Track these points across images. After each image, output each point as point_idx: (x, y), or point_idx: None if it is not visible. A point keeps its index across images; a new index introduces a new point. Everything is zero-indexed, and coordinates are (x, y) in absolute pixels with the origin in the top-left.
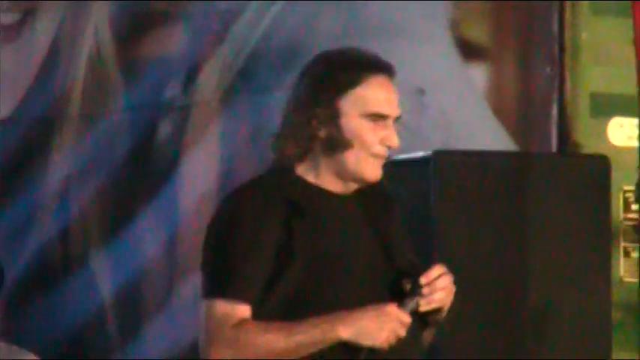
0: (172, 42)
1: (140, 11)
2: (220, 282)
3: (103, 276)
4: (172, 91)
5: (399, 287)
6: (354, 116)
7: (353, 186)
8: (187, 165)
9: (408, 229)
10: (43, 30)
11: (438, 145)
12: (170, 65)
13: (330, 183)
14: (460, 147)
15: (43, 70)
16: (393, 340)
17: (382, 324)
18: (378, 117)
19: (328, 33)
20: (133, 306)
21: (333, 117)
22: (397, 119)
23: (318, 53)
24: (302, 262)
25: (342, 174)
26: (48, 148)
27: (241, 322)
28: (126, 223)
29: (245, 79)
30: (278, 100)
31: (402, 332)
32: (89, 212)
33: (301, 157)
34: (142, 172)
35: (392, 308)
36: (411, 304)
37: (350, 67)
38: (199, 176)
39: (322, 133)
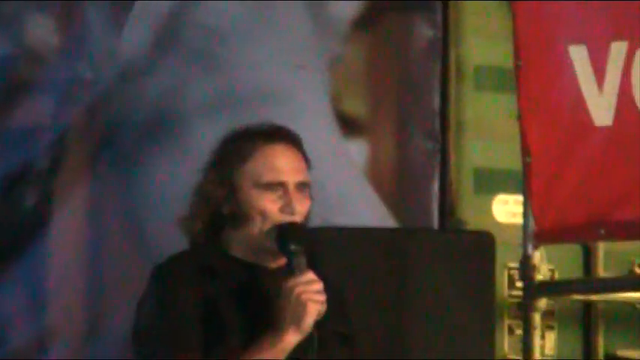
0: (41, 111)
1: (8, 79)
2: (162, 345)
3: None
4: (40, 162)
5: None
6: (249, 188)
7: (269, 256)
8: (52, 234)
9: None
10: None
11: (316, 219)
12: (39, 135)
13: (246, 255)
14: (338, 221)
15: None
16: (323, 299)
17: (302, 300)
18: (272, 185)
19: (200, 101)
20: None
21: (232, 192)
22: (303, 185)
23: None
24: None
25: (251, 245)
26: None
27: None
28: None
29: (111, 149)
30: (145, 170)
31: (318, 286)
32: None
33: (212, 233)
34: (3, 240)
35: (291, 284)
36: (299, 267)
37: (242, 141)
38: (64, 245)
39: (225, 210)
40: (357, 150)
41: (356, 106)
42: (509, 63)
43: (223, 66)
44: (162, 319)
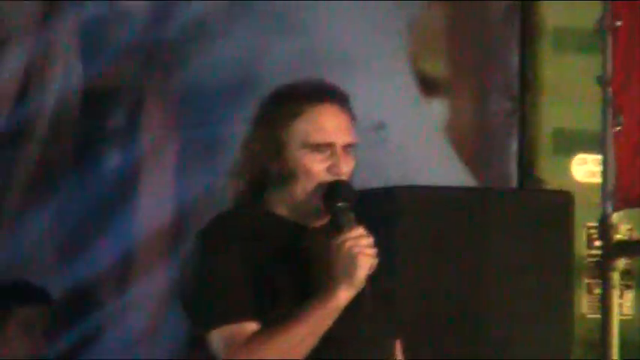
0: (122, 71)
1: (100, 40)
2: (219, 311)
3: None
4: (120, 120)
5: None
6: (296, 147)
7: (313, 216)
8: (140, 195)
9: None
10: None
11: (397, 179)
12: (119, 95)
13: (290, 214)
14: (418, 181)
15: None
16: (374, 253)
17: (353, 254)
18: (321, 146)
19: (283, 66)
20: (84, 323)
21: (278, 150)
22: (350, 146)
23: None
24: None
25: (296, 205)
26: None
27: (252, 336)
28: (80, 249)
29: (193, 111)
30: (231, 133)
31: (368, 240)
32: (44, 235)
33: (257, 193)
34: (93, 199)
35: (341, 239)
36: (348, 223)
37: (292, 99)
38: (153, 206)
39: (271, 168)
40: (437, 110)
41: (436, 67)
42: (588, 23)
43: (304, 29)
44: (217, 284)
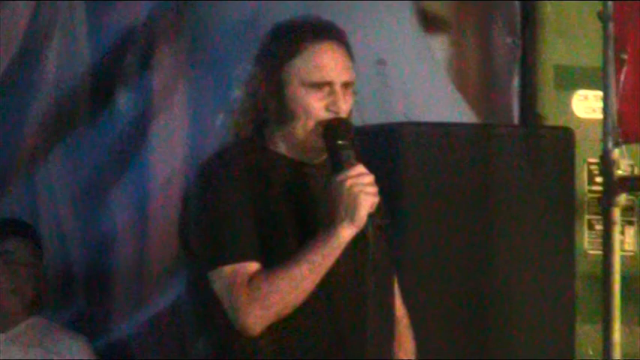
0: (131, 11)
1: None
2: (221, 251)
3: (73, 252)
4: (131, 60)
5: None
6: (296, 86)
7: (312, 153)
8: (154, 136)
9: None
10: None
11: (399, 115)
12: (131, 35)
13: (289, 151)
14: (420, 118)
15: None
16: (375, 191)
17: (354, 193)
18: (319, 84)
19: (288, 4)
20: (103, 282)
21: (278, 88)
22: (348, 84)
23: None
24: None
25: (295, 143)
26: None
27: (253, 276)
28: (96, 194)
29: (205, 51)
30: (239, 72)
31: (369, 178)
32: (56, 183)
33: (257, 130)
34: (108, 141)
35: (341, 177)
36: (348, 160)
37: (291, 37)
38: (166, 148)
39: (271, 105)
40: (439, 47)
41: (437, 4)
42: None
43: None
44: (218, 223)
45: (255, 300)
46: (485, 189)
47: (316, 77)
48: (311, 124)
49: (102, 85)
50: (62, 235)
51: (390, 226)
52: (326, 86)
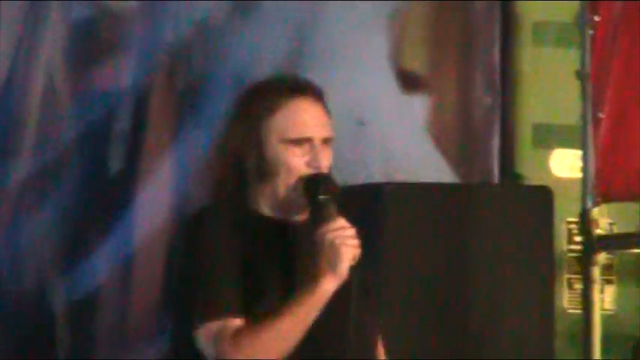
0: (121, 72)
1: (90, 41)
2: (205, 307)
3: (57, 305)
4: (122, 122)
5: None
6: (275, 143)
7: (294, 210)
8: (141, 197)
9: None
10: None
11: (378, 175)
12: (119, 96)
13: (271, 210)
14: (400, 178)
15: None
16: (356, 244)
17: (336, 245)
18: (299, 141)
19: (274, 63)
20: (86, 335)
21: (257, 146)
22: (327, 140)
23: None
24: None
25: (277, 201)
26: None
27: (238, 330)
28: (80, 253)
29: (195, 110)
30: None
31: (351, 231)
32: (41, 240)
33: (237, 189)
34: (95, 203)
35: (323, 230)
36: (330, 215)
37: (268, 94)
38: (153, 207)
39: (250, 164)
40: (418, 106)
41: (417, 63)
42: (567, 17)
43: (301, 28)
44: (202, 280)
45: (241, 354)
46: (464, 248)
47: (296, 134)
48: (292, 180)
49: (91, 149)
50: (44, 290)
51: (375, 285)
52: (306, 142)
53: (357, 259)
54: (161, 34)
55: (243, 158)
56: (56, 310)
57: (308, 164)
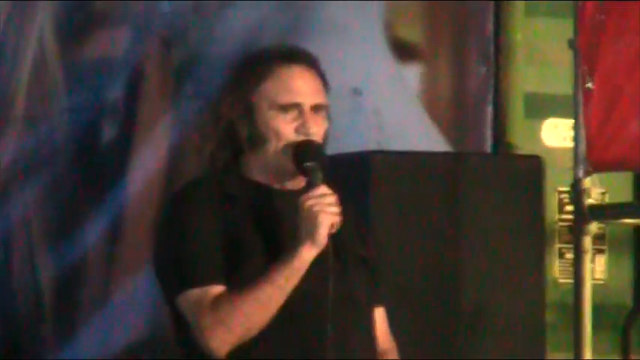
0: (115, 43)
1: (83, 12)
2: (185, 275)
3: (46, 275)
4: (115, 92)
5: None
6: (265, 109)
7: (285, 177)
8: (133, 167)
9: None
10: None
11: (372, 144)
12: (112, 67)
13: (262, 177)
14: (394, 147)
15: None
16: (336, 211)
17: (314, 213)
18: (288, 107)
19: (273, 36)
20: (72, 306)
21: (249, 113)
22: (319, 107)
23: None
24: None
25: (268, 167)
26: None
27: (218, 299)
28: (71, 223)
29: (192, 82)
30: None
31: (331, 199)
32: (32, 213)
33: (231, 156)
34: (87, 173)
35: (303, 198)
36: (314, 182)
37: (260, 62)
38: (145, 178)
39: (243, 131)
40: (412, 76)
41: (411, 33)
42: None
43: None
44: (183, 248)
45: (220, 322)
46: (455, 217)
47: (284, 99)
48: (281, 146)
49: (85, 120)
50: (34, 265)
51: (375, 259)
52: (295, 108)
53: (337, 226)
54: (157, 7)
55: (236, 125)
56: (44, 282)
57: (297, 130)
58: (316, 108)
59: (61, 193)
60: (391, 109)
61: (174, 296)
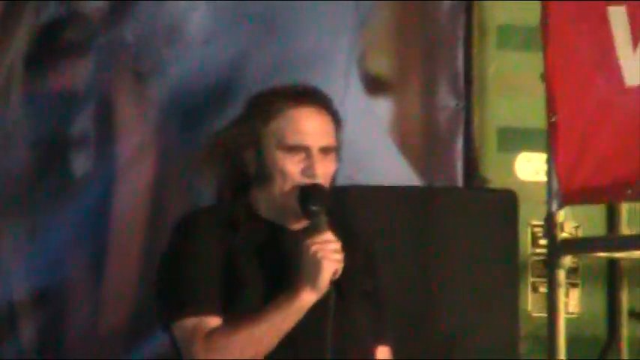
0: (77, 75)
1: (50, 42)
2: (183, 302)
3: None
4: (82, 124)
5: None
6: (273, 149)
7: (290, 216)
8: (114, 201)
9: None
10: None
11: (342, 178)
12: (79, 98)
13: (269, 214)
14: (364, 180)
15: None
16: (339, 258)
17: (318, 259)
18: (295, 148)
19: (261, 71)
20: (50, 309)
21: (256, 151)
22: (328, 150)
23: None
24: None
25: (274, 205)
26: None
27: (212, 330)
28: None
29: (176, 115)
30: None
31: (335, 246)
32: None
33: (240, 191)
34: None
35: (307, 242)
36: (318, 227)
37: (271, 101)
38: (127, 212)
39: (250, 169)
40: (383, 109)
41: (382, 66)
42: (532, 21)
43: (281, 33)
44: (183, 275)
45: (212, 354)
46: (428, 251)
47: (292, 141)
48: (287, 187)
49: (50, 153)
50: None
51: (378, 290)
52: (302, 150)
53: (339, 274)
54: (125, 35)
55: (244, 161)
56: (17, 297)
57: (303, 172)
58: (325, 150)
59: (46, 242)
60: (361, 141)
61: (170, 323)
